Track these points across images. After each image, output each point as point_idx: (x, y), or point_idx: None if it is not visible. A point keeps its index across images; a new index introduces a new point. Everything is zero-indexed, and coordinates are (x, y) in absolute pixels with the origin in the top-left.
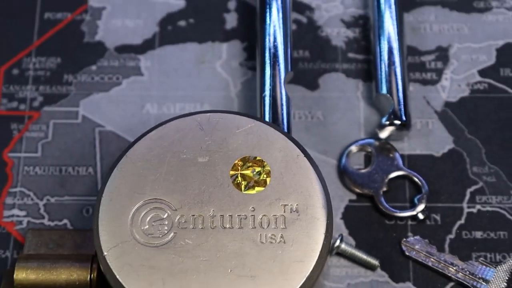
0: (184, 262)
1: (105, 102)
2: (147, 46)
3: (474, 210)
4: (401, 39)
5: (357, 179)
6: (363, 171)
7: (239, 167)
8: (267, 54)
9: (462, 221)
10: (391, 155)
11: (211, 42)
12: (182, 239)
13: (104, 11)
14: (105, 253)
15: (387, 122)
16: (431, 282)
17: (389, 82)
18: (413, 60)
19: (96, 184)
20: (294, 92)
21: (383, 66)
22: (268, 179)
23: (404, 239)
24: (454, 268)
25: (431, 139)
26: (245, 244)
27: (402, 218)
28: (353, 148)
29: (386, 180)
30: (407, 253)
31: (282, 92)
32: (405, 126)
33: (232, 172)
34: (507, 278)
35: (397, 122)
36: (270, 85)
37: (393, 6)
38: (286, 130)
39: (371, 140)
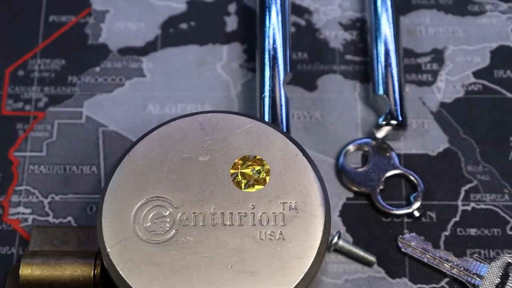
0: (185, 259)
1: (108, 102)
2: (149, 48)
3: (469, 208)
4: (397, 41)
5: (355, 177)
6: (360, 170)
7: (239, 166)
8: (266, 56)
9: (457, 218)
10: (387, 154)
11: (212, 44)
12: (184, 236)
13: (107, 14)
14: (108, 250)
15: (384, 122)
16: (427, 278)
17: (385, 83)
18: (409, 62)
19: (99, 182)
20: (293, 93)
21: (380, 67)
22: (267, 178)
23: (400, 236)
24: (449, 264)
25: (427, 138)
26: (245, 241)
27: (398, 216)
28: (351, 148)
29: (383, 179)
30: (403, 250)
31: (281, 93)
32: (401, 126)
33: (232, 171)
34: (500, 274)
35: (394, 122)
36: (269, 86)
37: (389, 9)
38: (285, 130)
39: (368, 140)
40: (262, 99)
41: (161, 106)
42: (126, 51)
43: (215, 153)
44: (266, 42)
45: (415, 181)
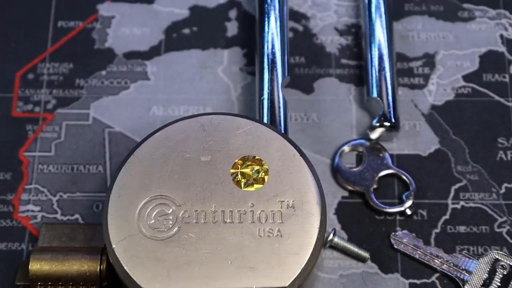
0: (187, 255)
1: (114, 105)
2: (153, 52)
3: (458, 206)
4: (390, 46)
5: (349, 177)
6: (355, 169)
7: (239, 166)
8: (265, 60)
9: (447, 216)
10: (381, 154)
11: (213, 49)
12: (186, 233)
13: (113, 20)
14: (113, 246)
15: (378, 124)
16: (418, 273)
17: (379, 87)
18: (401, 66)
19: (105, 181)
20: (291, 96)
21: (373, 71)
22: (266, 177)
23: (393, 233)
24: (439, 260)
25: (419, 139)
26: (245, 238)
27: (391, 214)
28: (346, 148)
29: (376, 178)
30: (395, 246)
31: (280, 95)
32: (394, 127)
33: (232, 171)
34: (488, 270)
35: (387, 124)
36: (268, 89)
37: (383, 16)
38: (283, 131)
39: (363, 141)
40: (261, 102)
41: (164, 108)
42: (131, 55)
43: (216, 153)
44: (265, 47)
45: (407, 180)
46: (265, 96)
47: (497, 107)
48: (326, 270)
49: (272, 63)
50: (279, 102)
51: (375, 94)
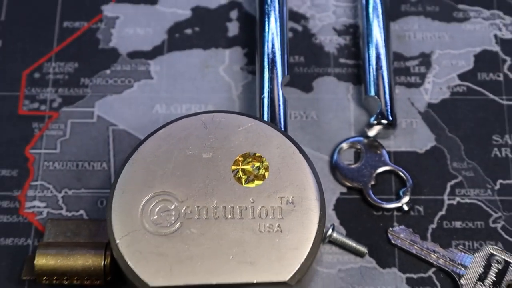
0: (189, 250)
1: (118, 103)
2: (156, 52)
3: (454, 202)
4: (387, 46)
5: (348, 173)
6: (353, 166)
7: (240, 163)
8: (265, 60)
9: (443, 212)
10: (378, 151)
11: (215, 49)
12: (188, 228)
13: (117, 20)
14: (117, 241)
15: (375, 122)
16: (415, 268)
17: (376, 85)
18: (398, 65)
19: (109, 178)
20: (290, 94)
21: (371, 70)
22: (266, 174)
23: (390, 229)
24: (436, 255)
25: (415, 137)
26: (245, 233)
27: (388, 209)
28: (344, 145)
29: (374, 175)
30: (393, 241)
31: (279, 94)
32: (391, 125)
33: (233, 167)
34: (483, 264)
35: (384, 121)
36: (268, 87)
37: (380, 16)
38: (283, 129)
39: (361, 138)
40: (261, 100)
41: (167, 106)
42: (134, 55)
43: (217, 151)
44: (265, 47)
45: (404, 177)
46: (266, 94)
47: (492, 105)
48: (325, 264)
49: (272, 62)
50: (279, 100)
51: (372, 93)
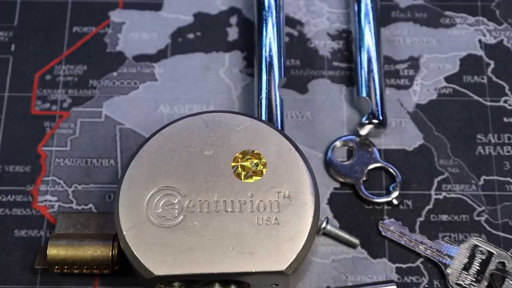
0: (192, 241)
1: (124, 103)
2: (160, 55)
3: (441, 197)
4: (378, 50)
5: (341, 170)
6: (346, 163)
7: (240, 159)
8: (263, 63)
9: (431, 206)
10: (369, 149)
11: (216, 52)
12: (190, 221)
13: (124, 26)
14: (124, 233)
15: (367, 121)
16: (404, 258)
17: (368, 87)
18: (388, 68)
19: (116, 173)
20: (287, 95)
21: (363, 73)
22: (264, 170)
23: (381, 221)
24: (424, 246)
25: (404, 135)
26: (245, 226)
27: (379, 204)
28: (337, 143)
29: (366, 171)
30: (383, 234)
31: (277, 95)
32: (382, 124)
33: (233, 164)
34: (468, 255)
35: (375, 121)
36: (266, 89)
37: (371, 22)
38: (279, 128)
39: (353, 137)
40: (259, 101)
41: (170, 107)
42: (140, 58)
43: (218, 148)
44: (263, 50)
45: (394, 173)
46: (263, 95)
47: (476, 106)
48: (320, 255)
49: (270, 65)
50: (276, 101)
51: (364, 94)
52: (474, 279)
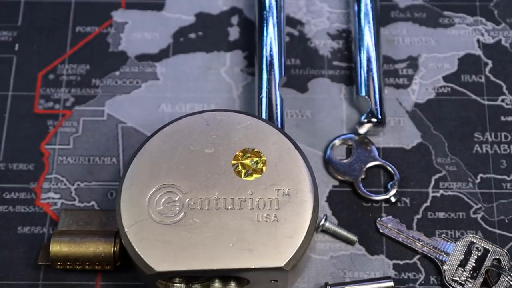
0: (192, 238)
1: (126, 102)
2: (162, 55)
3: (438, 194)
4: (377, 49)
5: (340, 168)
6: (344, 161)
7: (240, 157)
8: (264, 62)
9: (428, 203)
10: (368, 147)
11: (217, 52)
12: (191, 218)
13: (126, 25)
14: (126, 230)
15: (366, 120)
16: (401, 255)
17: (367, 86)
18: (388, 67)
19: (118, 171)
20: (287, 94)
21: (362, 72)
22: (264, 168)
23: (379, 219)
24: (421, 243)
25: (403, 134)
26: (244, 223)
27: (377, 201)
28: (337, 142)
29: (364, 169)
30: (381, 231)
31: (277, 94)
32: (381, 123)
33: (233, 162)
34: (464, 251)
35: (374, 120)
36: (266, 88)
37: (371, 22)
38: (279, 126)
39: (352, 135)
40: (260, 99)
41: (172, 106)
42: (142, 58)
43: (218, 146)
44: (264, 50)
45: (392, 171)
46: (264, 94)
47: (474, 105)
48: (318, 251)
49: (270, 64)
50: (276, 100)
51: (363, 93)
52: (470, 276)
